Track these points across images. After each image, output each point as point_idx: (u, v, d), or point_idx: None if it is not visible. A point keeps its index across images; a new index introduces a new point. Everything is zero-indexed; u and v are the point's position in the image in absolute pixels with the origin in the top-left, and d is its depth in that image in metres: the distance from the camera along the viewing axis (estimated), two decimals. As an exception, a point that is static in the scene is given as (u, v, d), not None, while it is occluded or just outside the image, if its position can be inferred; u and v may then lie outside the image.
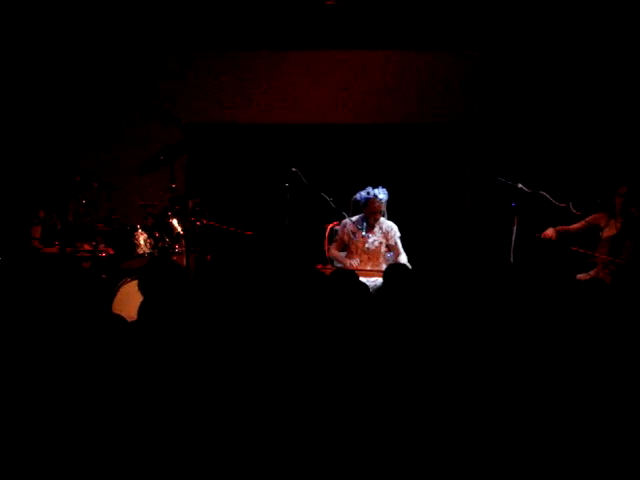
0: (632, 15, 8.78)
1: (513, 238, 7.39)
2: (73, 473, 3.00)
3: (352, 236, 7.54)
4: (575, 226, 7.54)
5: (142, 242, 7.20)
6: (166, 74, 9.09)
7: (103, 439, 3.07)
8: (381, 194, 7.45)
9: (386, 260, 7.58)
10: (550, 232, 7.44)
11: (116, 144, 9.03)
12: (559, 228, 7.49)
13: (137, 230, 7.21)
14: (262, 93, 9.20)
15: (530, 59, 9.15)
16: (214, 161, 9.24)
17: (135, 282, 6.40)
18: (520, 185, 7.57)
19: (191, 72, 9.13)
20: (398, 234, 7.58)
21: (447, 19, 8.96)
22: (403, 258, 7.51)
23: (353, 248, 7.55)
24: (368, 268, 7.41)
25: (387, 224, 7.58)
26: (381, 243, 7.54)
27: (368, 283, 6.05)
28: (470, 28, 8.99)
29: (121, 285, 6.79)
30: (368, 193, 7.46)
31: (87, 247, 7.25)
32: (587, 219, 7.53)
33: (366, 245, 7.51)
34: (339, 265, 7.50)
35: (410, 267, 6.33)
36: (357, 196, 7.54)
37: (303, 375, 3.42)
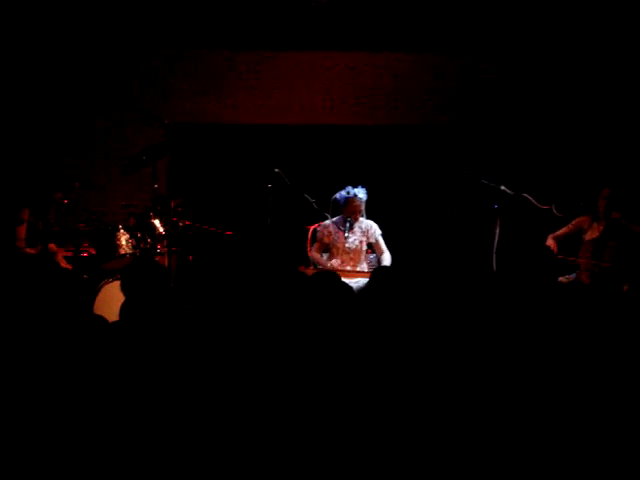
0: (612, 23, 8.85)
1: (496, 240, 7.41)
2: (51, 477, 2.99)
3: (333, 237, 7.51)
4: (563, 231, 7.57)
5: (124, 242, 7.17)
6: (149, 74, 9.06)
7: (81, 441, 3.05)
8: (360, 193, 7.41)
9: (368, 261, 7.56)
10: (552, 243, 7.46)
11: (98, 144, 9.00)
12: (553, 236, 7.51)
13: (119, 230, 7.18)
14: (245, 94, 9.18)
15: (514, 62, 9.19)
16: (196, 161, 9.20)
17: (116, 283, 6.38)
18: (503, 187, 7.60)
19: (174, 72, 9.10)
20: (379, 232, 7.54)
21: (432, 22, 8.99)
22: (387, 257, 7.47)
23: (334, 249, 7.52)
24: (348, 268, 7.39)
25: (366, 223, 7.54)
26: (362, 242, 7.51)
27: (351, 284, 6.01)
28: (455, 31, 9.03)
29: (102, 285, 6.76)
30: (348, 193, 7.41)
31: (62, 252, 7.22)
32: (572, 222, 7.56)
33: (347, 245, 7.46)
34: (320, 267, 7.47)
35: (394, 268, 6.31)
36: (337, 196, 7.49)
37: (286, 377, 3.41)
